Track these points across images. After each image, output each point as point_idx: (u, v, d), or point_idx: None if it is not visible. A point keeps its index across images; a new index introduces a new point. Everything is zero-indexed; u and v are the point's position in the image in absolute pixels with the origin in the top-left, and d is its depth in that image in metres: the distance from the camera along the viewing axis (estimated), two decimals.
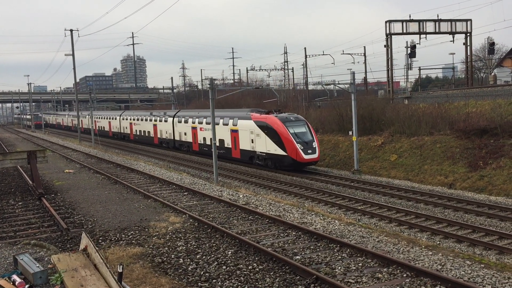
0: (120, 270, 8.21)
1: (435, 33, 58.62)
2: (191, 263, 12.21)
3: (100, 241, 14.49)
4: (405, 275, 10.82)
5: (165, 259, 12.58)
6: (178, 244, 13.82)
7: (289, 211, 17.90)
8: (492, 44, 65.26)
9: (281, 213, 17.51)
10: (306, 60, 79.21)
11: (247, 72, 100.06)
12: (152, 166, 33.12)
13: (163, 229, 15.42)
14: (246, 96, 73.54)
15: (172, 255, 12.85)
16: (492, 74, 76.29)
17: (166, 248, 13.47)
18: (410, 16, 58.26)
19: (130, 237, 14.79)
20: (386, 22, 58.02)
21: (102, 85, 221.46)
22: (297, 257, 12.33)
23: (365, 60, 73.16)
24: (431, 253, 12.43)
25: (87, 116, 77.07)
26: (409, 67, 66.83)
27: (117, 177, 27.05)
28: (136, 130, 59.97)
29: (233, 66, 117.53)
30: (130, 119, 62.04)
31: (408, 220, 19.17)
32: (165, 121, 50.93)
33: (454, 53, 77.33)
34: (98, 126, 74.74)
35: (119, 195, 21.74)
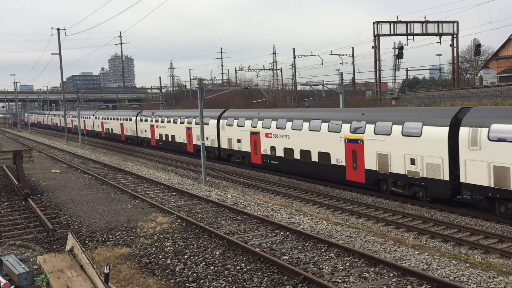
0: (106, 271, 8.16)
1: (422, 34, 59.25)
2: (179, 263, 12.18)
3: (87, 241, 14.39)
4: (391, 274, 10.90)
5: (152, 259, 12.53)
6: (166, 245, 13.78)
7: (277, 211, 17.93)
8: (478, 46, 66.06)
9: (269, 213, 17.54)
10: (294, 61, 79.50)
11: (236, 72, 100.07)
12: (140, 166, 32.96)
13: (151, 230, 15.36)
14: (234, 96, 73.61)
15: (160, 256, 12.81)
16: (478, 75, 77.19)
17: (154, 249, 13.42)
18: (397, 18, 58.88)
19: (117, 237, 14.70)
20: (374, 23, 58.50)
21: (89, 85, 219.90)
22: (285, 257, 12.36)
23: (353, 61, 73.62)
24: (417, 252, 12.54)
25: (91, 117, 72.34)
26: (396, 68, 67.39)
27: (105, 177, 26.88)
28: (159, 135, 48.88)
29: (222, 66, 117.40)
30: (152, 121, 51.13)
31: (395, 220, 19.31)
32: (206, 123, 38.41)
33: (441, 55, 78.27)
34: (106, 129, 65.74)
35: (107, 196, 21.60)
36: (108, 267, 8.20)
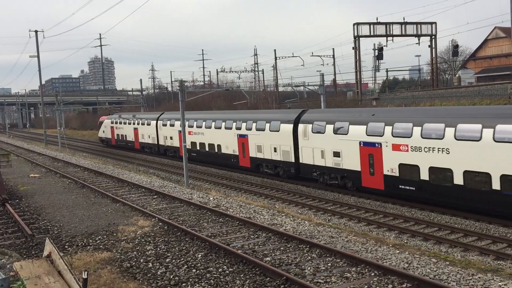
0: (85, 276, 8.04)
1: (401, 35, 59.93)
2: (161, 267, 12.07)
3: (66, 246, 14.17)
4: (373, 274, 10.97)
5: (133, 263, 12.40)
6: (147, 248, 13.64)
7: (260, 212, 17.91)
8: (456, 47, 67.08)
9: (251, 214, 17.51)
10: (276, 62, 79.66)
11: (217, 73, 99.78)
12: (120, 169, 32.63)
13: (132, 233, 15.20)
14: (216, 98, 73.39)
15: (141, 260, 12.68)
16: (457, 75, 78.39)
17: (135, 253, 13.28)
18: (377, 19, 59.42)
19: (98, 242, 14.52)
20: (354, 24, 58.98)
21: (69, 87, 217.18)
22: (267, 258, 12.35)
23: (334, 62, 74.10)
24: (398, 251, 12.65)
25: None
26: (376, 69, 68.06)
27: (85, 181, 26.53)
28: (194, 144, 37.74)
29: (203, 67, 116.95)
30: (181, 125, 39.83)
31: (377, 219, 19.45)
32: (273, 129, 29.05)
33: (420, 55, 79.35)
34: (117, 135, 55.24)
35: (87, 200, 21.32)
36: (86, 272, 8.07)
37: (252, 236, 14.59)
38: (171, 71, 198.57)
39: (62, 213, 18.74)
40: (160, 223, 16.41)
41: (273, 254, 12.73)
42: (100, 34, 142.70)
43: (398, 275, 10.64)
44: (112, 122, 55.84)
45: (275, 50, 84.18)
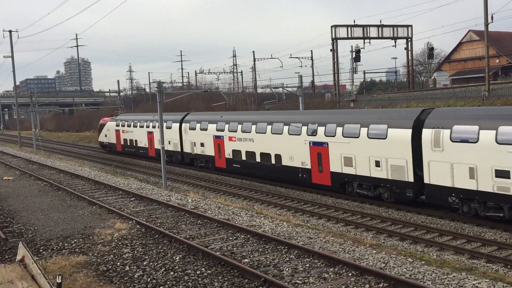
0: (59, 280, 7.89)
1: (378, 38, 60.66)
2: (138, 270, 11.94)
3: (41, 250, 13.91)
4: (350, 274, 11.06)
5: (110, 267, 12.24)
6: (124, 251, 13.49)
7: (238, 214, 17.89)
8: (431, 49, 68.28)
9: (230, 216, 17.48)
10: (255, 64, 79.86)
11: (196, 75, 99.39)
12: (97, 171, 32.21)
13: (109, 236, 15.01)
14: (195, 99, 73.11)
15: (118, 263, 12.52)
16: (432, 77, 79.82)
17: (112, 256, 13.11)
18: (354, 22, 60.04)
19: (74, 245, 14.29)
20: (332, 27, 59.45)
21: (44, 88, 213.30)
22: (246, 260, 12.34)
23: (312, 63, 74.58)
24: (375, 251, 12.78)
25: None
26: (354, 71, 68.81)
27: (60, 183, 26.09)
28: (238, 153, 30.28)
29: (182, 69, 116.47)
30: (220, 129, 31.97)
31: (354, 220, 19.63)
32: (374, 135, 21.64)
33: (397, 58, 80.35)
34: (124, 140, 47.04)
35: (62, 202, 20.97)
36: (60, 276, 7.93)
37: (231, 238, 14.55)
38: (149, 72, 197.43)
39: (36, 216, 18.40)
40: (138, 226, 16.25)
41: (251, 256, 12.72)
42: (76, 34, 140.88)
43: (375, 275, 10.75)
44: (117, 125, 47.52)
45: (253, 51, 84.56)
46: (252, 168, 29.36)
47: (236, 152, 30.31)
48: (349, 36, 60.00)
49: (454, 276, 10.70)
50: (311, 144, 24.65)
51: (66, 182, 27.00)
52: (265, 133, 27.82)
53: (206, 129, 33.38)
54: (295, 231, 15.11)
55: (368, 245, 13.45)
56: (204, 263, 12.27)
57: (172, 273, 11.64)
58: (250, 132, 29.11)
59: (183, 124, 36.27)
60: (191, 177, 32.43)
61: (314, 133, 24.45)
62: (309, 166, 24.95)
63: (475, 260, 14.25)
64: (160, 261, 12.52)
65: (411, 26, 61.46)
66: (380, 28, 60.18)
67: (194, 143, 35.03)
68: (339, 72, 63.00)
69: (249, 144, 29.24)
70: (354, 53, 64.83)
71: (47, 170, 33.14)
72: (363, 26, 59.95)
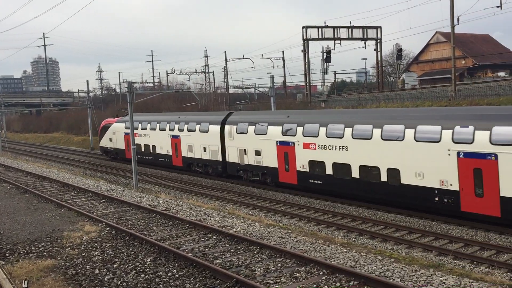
0: (25, 285, 7.71)
1: (348, 39, 61.36)
2: (108, 273, 11.77)
3: (7, 255, 13.56)
4: (321, 273, 11.16)
5: (79, 270, 12.03)
6: (94, 254, 13.27)
7: (210, 215, 17.84)
8: (400, 50, 69.44)
9: (202, 217, 17.41)
10: (226, 64, 79.67)
11: (167, 75, 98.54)
12: (66, 173, 31.58)
13: (78, 239, 14.74)
14: (166, 99, 72.38)
15: (87, 266, 12.32)
16: (401, 78, 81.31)
17: (81, 259, 12.89)
18: (325, 23, 60.52)
19: (41, 249, 13.98)
20: (303, 27, 59.82)
21: (10, 89, 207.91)
22: (218, 261, 12.31)
23: (283, 64, 74.88)
24: (346, 250, 12.94)
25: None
26: (325, 71, 69.46)
27: (27, 186, 25.47)
28: (316, 163, 23.02)
29: (153, 69, 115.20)
30: (290, 132, 24.36)
31: (326, 219, 19.81)
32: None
33: (366, 58, 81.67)
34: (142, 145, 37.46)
35: (29, 205, 20.48)
36: (26, 281, 7.75)
37: (203, 239, 14.50)
38: (119, 72, 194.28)
39: (2, 219, 17.91)
40: (108, 228, 16.01)
41: (223, 256, 12.70)
42: (43, 33, 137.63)
43: (345, 274, 10.89)
44: (127, 127, 37.70)
45: (225, 52, 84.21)
46: (344, 187, 21.85)
47: (316, 164, 22.87)
48: (320, 37, 60.48)
49: (422, 273, 10.93)
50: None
51: (33, 184, 26.38)
52: (369, 138, 20.28)
53: (264, 133, 25.69)
54: (267, 231, 15.16)
55: (339, 244, 13.60)
56: (176, 264, 12.18)
57: (143, 275, 11.51)
58: (342, 137, 21.47)
59: (227, 127, 28.36)
60: (163, 178, 32.13)
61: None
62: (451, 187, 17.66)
63: (442, 257, 14.59)
64: (130, 264, 12.37)
65: (380, 27, 62.36)
66: (350, 30, 60.88)
67: (245, 150, 26.96)
68: (310, 72, 63.47)
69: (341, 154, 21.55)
70: (325, 53, 65.42)
71: (13, 172, 32.31)
72: (333, 27, 60.53)
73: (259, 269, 11.58)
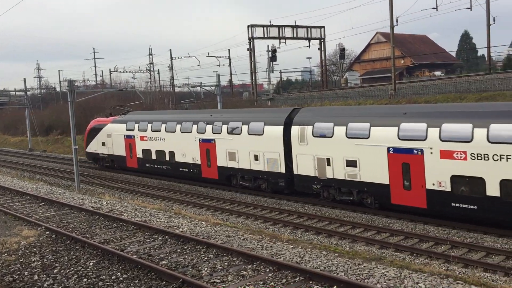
0: None
1: (293, 38, 62.25)
2: (48, 278, 11.32)
3: None
4: (268, 270, 11.26)
5: (17, 277, 11.50)
6: (33, 260, 12.73)
7: (156, 215, 17.56)
8: (342, 50, 71.25)
9: (147, 218, 17.10)
10: (172, 62, 78.64)
11: (110, 73, 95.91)
12: (2, 175, 30.07)
13: (15, 245, 14.09)
14: (109, 98, 70.44)
15: (26, 272, 11.79)
16: (344, 77, 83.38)
17: (18, 265, 12.33)
18: (270, 22, 61.06)
19: None
20: (248, 26, 60.06)
21: None
22: (163, 262, 12.13)
23: (230, 63, 74.84)
24: (292, 246, 13.12)
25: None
26: (271, 70, 70.07)
27: None
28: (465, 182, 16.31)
29: (95, 67, 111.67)
30: (403, 134, 17.83)
31: (272, 216, 19.99)
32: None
33: (311, 57, 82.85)
34: (142, 150, 31.13)
35: None
36: None
37: (148, 240, 14.24)
38: (59, 70, 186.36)
39: None
40: (48, 232, 15.40)
41: (169, 257, 12.53)
42: None
43: (291, 270, 11.03)
44: (129, 129, 31.81)
45: (170, 50, 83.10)
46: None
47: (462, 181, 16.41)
48: (265, 36, 60.98)
49: (364, 266, 11.26)
50: None
51: None
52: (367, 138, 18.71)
53: (366, 136, 18.98)
54: (214, 230, 15.11)
55: (285, 241, 13.77)
56: (120, 267, 11.89)
57: (85, 279, 11.16)
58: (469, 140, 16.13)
59: (294, 128, 21.85)
60: (107, 179, 31.27)
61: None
62: None
63: (384, 250, 15.09)
64: (72, 268, 11.95)
65: (323, 27, 63.68)
66: (295, 29, 61.75)
67: (328, 160, 20.39)
68: (256, 71, 63.87)
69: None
70: (270, 52, 66.00)
71: None
72: (278, 27, 61.18)
73: (205, 269, 11.52)
